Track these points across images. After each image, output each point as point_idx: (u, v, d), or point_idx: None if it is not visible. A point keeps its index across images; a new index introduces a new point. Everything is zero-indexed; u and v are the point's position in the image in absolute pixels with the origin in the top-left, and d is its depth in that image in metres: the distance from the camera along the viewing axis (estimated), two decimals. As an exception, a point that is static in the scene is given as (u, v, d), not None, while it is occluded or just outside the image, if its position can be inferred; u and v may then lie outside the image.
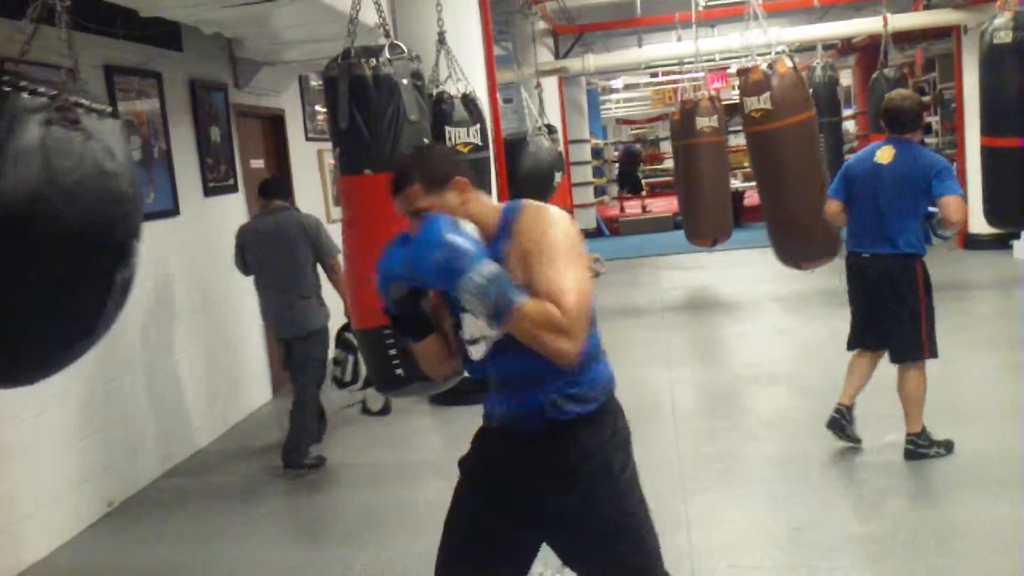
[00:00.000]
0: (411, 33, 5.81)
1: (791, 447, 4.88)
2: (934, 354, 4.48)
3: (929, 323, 4.47)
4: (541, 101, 9.53)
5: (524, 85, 8.66)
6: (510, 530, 2.21)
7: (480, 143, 4.83)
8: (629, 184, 21.12)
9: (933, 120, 14.67)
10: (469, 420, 5.84)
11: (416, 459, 5.34)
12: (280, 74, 6.91)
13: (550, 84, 11.35)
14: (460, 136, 4.72)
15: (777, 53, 6.62)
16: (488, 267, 1.90)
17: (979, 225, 10.24)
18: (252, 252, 5.13)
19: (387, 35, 3.58)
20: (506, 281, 1.91)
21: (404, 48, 3.54)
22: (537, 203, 2.14)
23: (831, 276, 8.39)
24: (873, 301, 4.51)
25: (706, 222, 9.76)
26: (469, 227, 1.99)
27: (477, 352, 2.15)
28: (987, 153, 6.51)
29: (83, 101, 2.29)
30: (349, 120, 3.47)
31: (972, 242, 10.82)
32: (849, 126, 16.83)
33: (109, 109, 2.38)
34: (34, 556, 4.18)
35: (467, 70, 5.28)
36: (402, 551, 4.00)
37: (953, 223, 4.25)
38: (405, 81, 3.46)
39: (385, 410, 6.01)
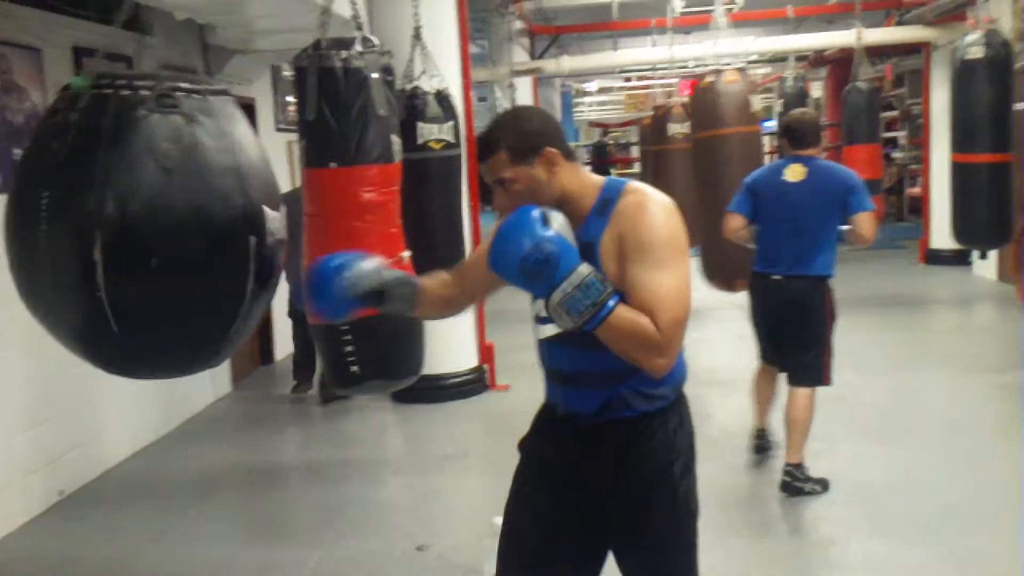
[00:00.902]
0: (387, 27, 5.76)
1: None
2: (830, 381, 4.41)
3: (829, 350, 4.38)
4: (514, 101, 9.52)
5: (498, 84, 8.63)
6: (576, 530, 2.10)
7: (452, 140, 4.79)
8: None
9: (900, 135, 14.85)
10: (429, 418, 5.91)
11: (374, 457, 5.30)
12: (252, 63, 6.84)
13: (524, 84, 11.34)
14: (432, 133, 4.69)
15: (724, 65, 6.66)
16: (578, 273, 1.76)
17: (940, 240, 10.43)
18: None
19: (359, 28, 3.53)
20: (596, 287, 1.77)
21: (375, 42, 3.50)
22: (642, 187, 1.99)
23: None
24: (780, 325, 4.41)
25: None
26: (557, 220, 1.82)
27: (546, 332, 2.03)
28: (957, 170, 6.58)
29: (182, 85, 2.32)
30: (316, 112, 3.42)
31: (933, 257, 10.97)
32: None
33: (215, 87, 2.40)
34: (-20, 544, 4.10)
35: (442, 67, 5.24)
36: (356, 549, 3.96)
37: (867, 239, 4.19)
38: (375, 75, 3.41)
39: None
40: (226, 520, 4.48)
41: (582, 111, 25.85)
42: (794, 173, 4.27)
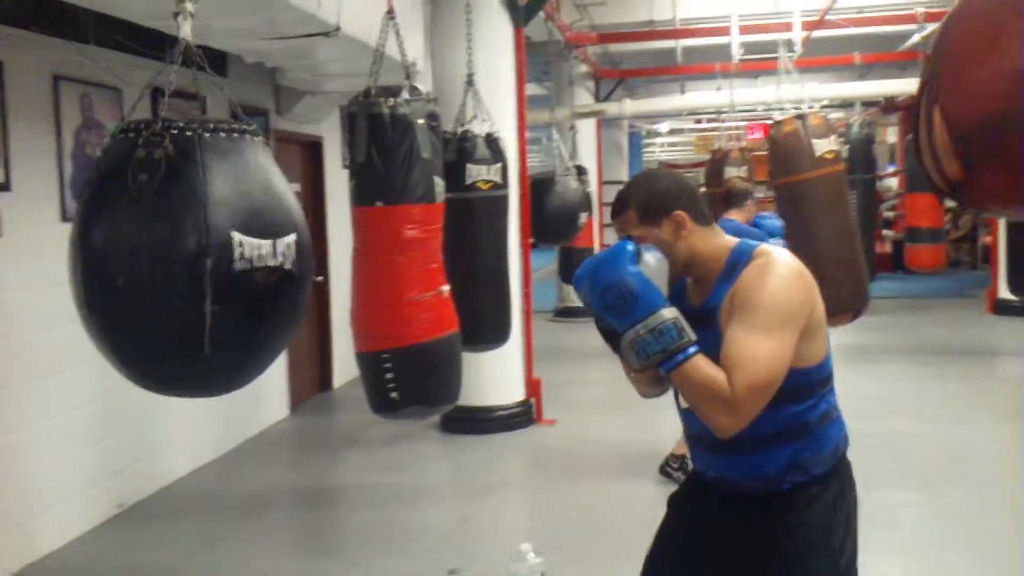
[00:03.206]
0: (444, 71, 6.06)
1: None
2: None
3: None
4: (574, 142, 9.71)
5: (557, 126, 8.84)
6: None
7: (500, 181, 4.99)
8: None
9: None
10: (474, 449, 6.08)
11: (418, 484, 5.48)
12: (321, 103, 7.16)
13: (588, 125, 11.53)
14: (480, 174, 4.89)
15: (796, 109, 6.72)
16: (656, 316, 1.78)
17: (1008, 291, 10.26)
18: None
19: (407, 76, 3.78)
20: (672, 334, 1.77)
21: (422, 90, 3.74)
22: (773, 251, 1.95)
23: (854, 332, 8.45)
24: None
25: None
26: (652, 260, 1.85)
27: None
28: (1009, 225, 6.56)
29: (181, 125, 2.36)
30: (366, 155, 3.67)
31: (1001, 307, 10.78)
32: (893, 183, 16.84)
33: (226, 126, 2.43)
34: (48, 548, 4.38)
35: (499, 109, 5.48)
36: (392, 569, 4.14)
37: None
38: (420, 121, 3.65)
39: None
40: (273, 536, 4.70)
41: (652, 151, 25.97)
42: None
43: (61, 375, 4.50)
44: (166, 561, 4.35)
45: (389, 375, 3.65)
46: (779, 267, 1.89)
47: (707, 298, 1.94)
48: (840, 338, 8.88)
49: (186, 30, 2.58)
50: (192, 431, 5.66)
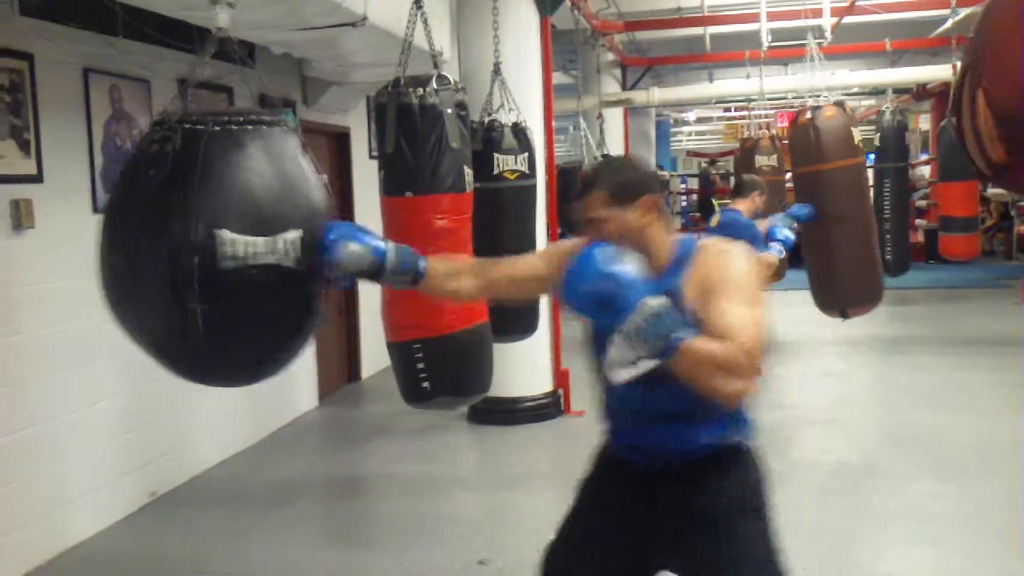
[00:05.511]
0: (471, 61, 6.03)
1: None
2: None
3: None
4: (602, 132, 9.65)
5: (584, 115, 8.79)
6: (642, 563, 2.20)
7: (527, 171, 4.97)
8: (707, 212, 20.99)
9: (1008, 170, 14.39)
10: (503, 439, 6.07)
11: (448, 474, 5.48)
12: (348, 93, 7.16)
13: (615, 114, 11.46)
14: (508, 163, 4.87)
15: (824, 99, 6.65)
16: (650, 304, 1.81)
17: (1043, 280, 10.11)
18: None
19: (435, 66, 3.76)
20: (669, 318, 1.81)
21: (451, 79, 3.72)
22: (720, 240, 2.11)
23: (887, 323, 8.39)
24: None
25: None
26: (631, 257, 1.90)
27: (620, 376, 1.97)
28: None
29: (193, 118, 2.33)
30: (395, 145, 3.66)
31: (1037, 297, 10.62)
32: (926, 172, 16.60)
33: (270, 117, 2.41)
34: (78, 537, 4.43)
35: (525, 99, 5.44)
36: (421, 559, 4.14)
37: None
38: (449, 111, 3.63)
39: None
40: (302, 525, 4.72)
41: (680, 140, 25.82)
42: (713, 221, 5.71)
43: (90, 365, 4.53)
44: (196, 551, 4.38)
45: (420, 365, 3.65)
46: (738, 252, 2.06)
47: (660, 282, 1.98)
48: (872, 329, 8.88)
49: (224, 19, 2.54)
50: (222, 421, 5.69)
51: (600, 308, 1.85)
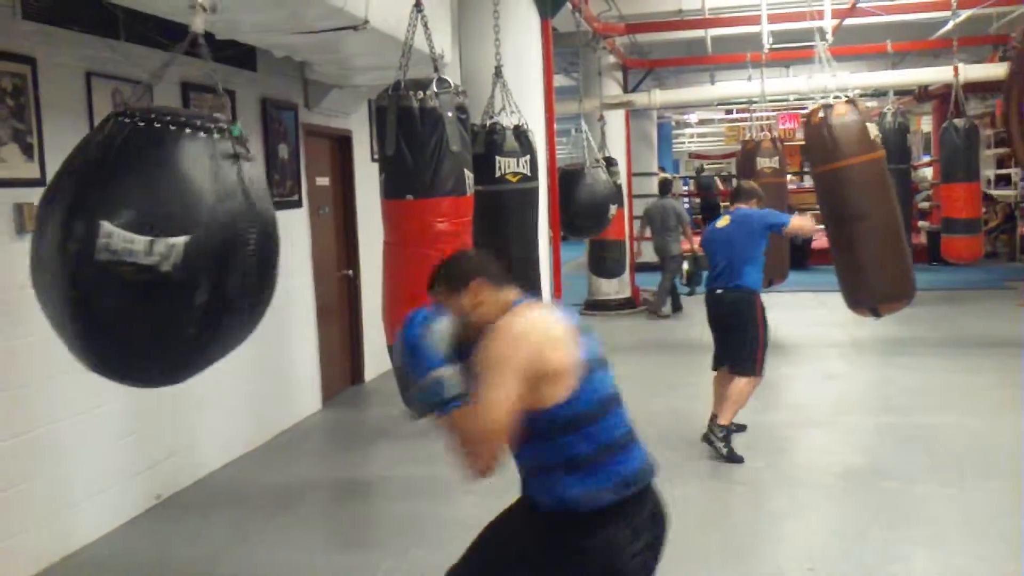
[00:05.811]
0: (472, 64, 6.04)
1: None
2: (762, 373, 5.53)
3: (763, 348, 5.50)
4: (603, 134, 9.65)
5: (585, 118, 8.80)
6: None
7: (529, 173, 4.98)
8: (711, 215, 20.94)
9: (1012, 172, 14.41)
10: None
11: (449, 476, 5.45)
12: (349, 97, 7.18)
13: (617, 116, 11.47)
14: (510, 166, 4.89)
15: (835, 98, 6.60)
16: (432, 376, 2.13)
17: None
18: (652, 219, 11.00)
19: (436, 70, 3.77)
20: (439, 391, 2.12)
21: (451, 83, 3.73)
22: (519, 311, 2.30)
23: (889, 325, 8.35)
24: (724, 326, 5.65)
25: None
26: (439, 325, 2.20)
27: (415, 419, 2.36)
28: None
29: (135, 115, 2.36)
30: (395, 148, 3.68)
31: (1039, 298, 10.60)
32: (928, 173, 16.59)
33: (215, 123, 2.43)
34: (84, 540, 4.44)
35: (527, 101, 5.46)
36: (424, 560, 4.14)
37: (808, 231, 6.07)
38: (450, 114, 3.65)
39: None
40: (306, 528, 4.73)
41: (682, 142, 25.83)
42: (722, 222, 5.81)
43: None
44: (200, 554, 4.39)
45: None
46: (508, 327, 2.22)
47: (468, 349, 2.25)
48: (875, 331, 8.86)
49: (198, 23, 2.55)
50: (226, 424, 5.71)
51: (406, 371, 2.22)
